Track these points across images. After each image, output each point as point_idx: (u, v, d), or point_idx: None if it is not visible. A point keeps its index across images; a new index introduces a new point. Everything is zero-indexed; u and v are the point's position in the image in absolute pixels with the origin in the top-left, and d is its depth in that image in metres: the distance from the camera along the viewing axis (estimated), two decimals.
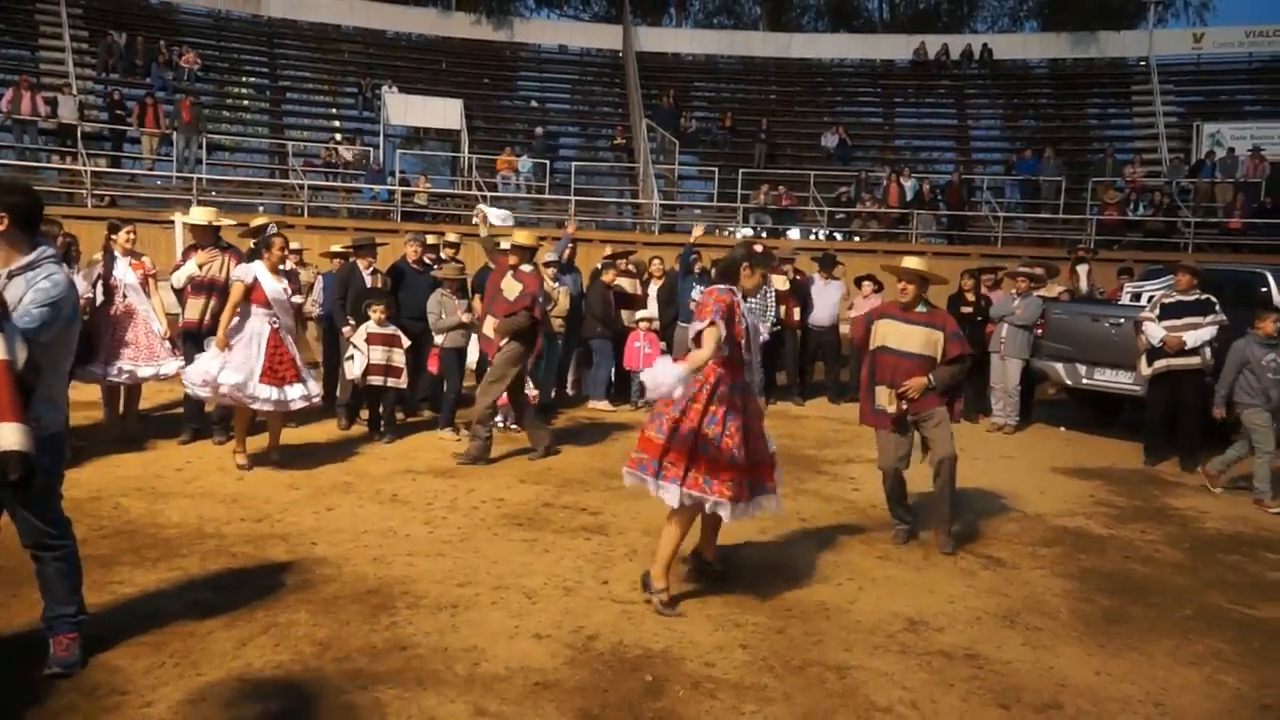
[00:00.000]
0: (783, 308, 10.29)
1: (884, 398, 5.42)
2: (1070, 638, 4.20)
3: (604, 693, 3.56)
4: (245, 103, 23.41)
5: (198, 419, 7.42)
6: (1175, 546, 5.75)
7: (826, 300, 10.80)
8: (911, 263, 5.55)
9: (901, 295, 5.52)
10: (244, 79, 23.88)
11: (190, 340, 7.14)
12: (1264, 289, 9.11)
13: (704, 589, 4.65)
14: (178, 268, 7.25)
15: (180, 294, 7.27)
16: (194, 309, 7.13)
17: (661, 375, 4.00)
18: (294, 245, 10.43)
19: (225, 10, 25.35)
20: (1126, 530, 6.05)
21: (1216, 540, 5.93)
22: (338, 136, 21.62)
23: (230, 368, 6.37)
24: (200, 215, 7.41)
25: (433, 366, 8.52)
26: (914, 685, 3.70)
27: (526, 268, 7.38)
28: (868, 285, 10.66)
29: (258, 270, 6.58)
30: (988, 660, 3.95)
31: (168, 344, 7.15)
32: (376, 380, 7.66)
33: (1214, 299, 7.72)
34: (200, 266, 7.09)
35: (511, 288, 7.27)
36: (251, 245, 7.45)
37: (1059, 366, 9.23)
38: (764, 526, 5.71)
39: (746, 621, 4.27)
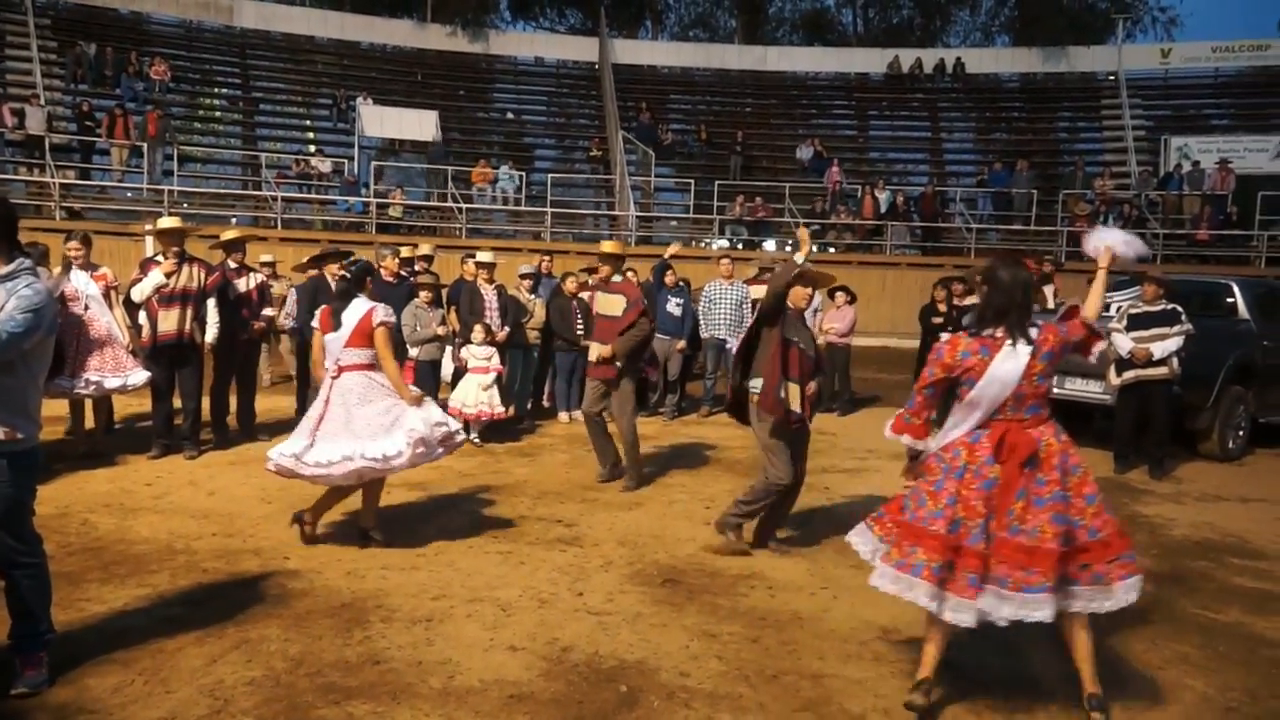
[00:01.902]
0: None
1: (795, 396, 5.29)
2: (1041, 644, 4.23)
3: (579, 704, 3.55)
4: (217, 114, 23.29)
5: (168, 434, 7.34)
6: (1144, 553, 5.80)
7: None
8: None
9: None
10: (216, 90, 23.75)
11: (164, 353, 7.06)
12: (1230, 299, 9.29)
13: (680, 600, 4.65)
14: (136, 281, 7.11)
15: (138, 308, 7.13)
16: (169, 320, 7.05)
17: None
18: (266, 257, 10.45)
19: (196, 20, 25.23)
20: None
21: (1184, 546, 6.01)
22: (311, 149, 21.55)
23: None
24: (170, 222, 7.37)
25: (407, 379, 8.46)
26: (887, 693, 3.73)
27: (617, 278, 7.13)
28: (841, 296, 10.72)
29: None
30: (961, 668, 3.98)
31: (131, 356, 7.08)
32: None
33: (1180, 309, 7.85)
34: (167, 276, 7.02)
35: (611, 303, 6.94)
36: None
37: None
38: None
39: (721, 631, 4.28)
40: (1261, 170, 21.13)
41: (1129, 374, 7.86)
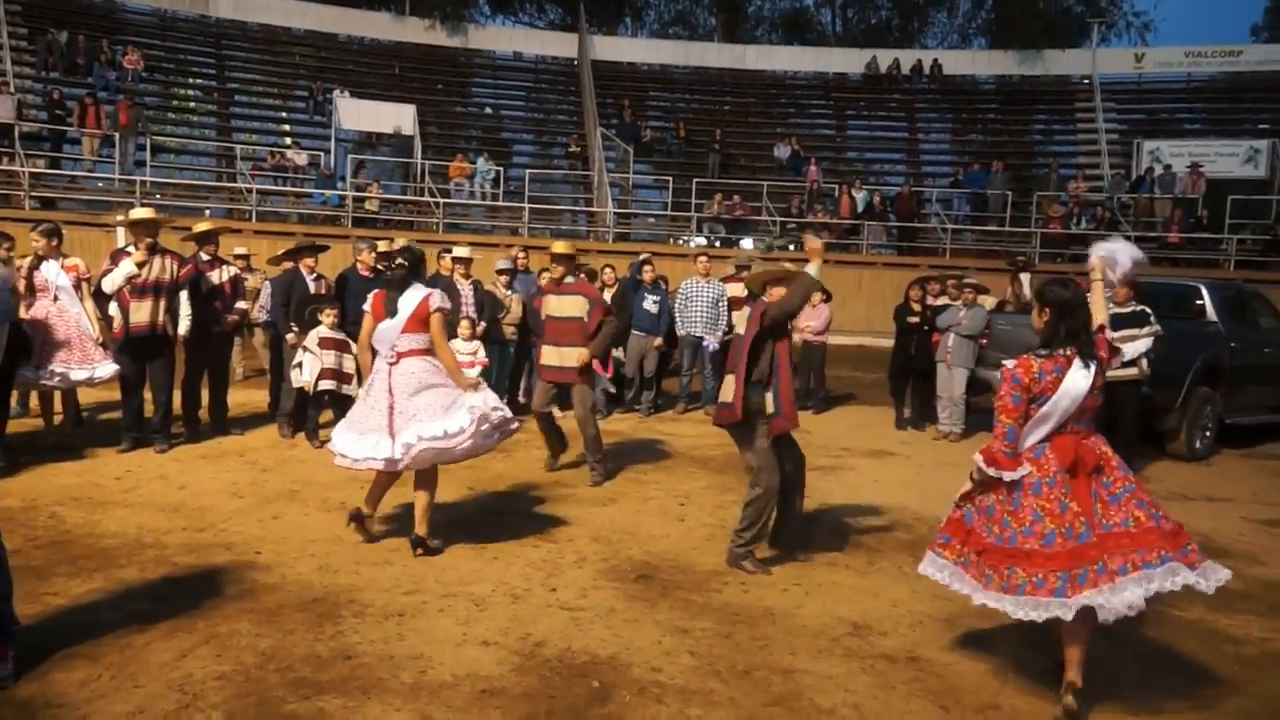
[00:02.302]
0: (738, 314, 10.34)
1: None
2: (1008, 640, 4.29)
3: (551, 699, 3.56)
4: (191, 104, 23.03)
5: (138, 427, 7.27)
6: None
7: None
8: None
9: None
10: (190, 80, 23.49)
11: (136, 345, 6.99)
12: (1199, 302, 9.42)
13: (653, 596, 4.67)
14: (107, 272, 7.02)
15: (108, 299, 7.05)
16: (141, 312, 6.98)
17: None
18: (241, 250, 10.36)
19: (171, 10, 24.95)
20: None
21: None
22: (287, 141, 21.38)
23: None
24: (142, 213, 7.30)
25: None
26: (857, 688, 3.76)
27: (570, 279, 7.02)
28: (816, 295, 10.74)
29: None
30: (929, 663, 4.03)
31: (100, 348, 7.00)
32: (329, 385, 7.57)
33: (1149, 311, 7.95)
34: (139, 266, 6.95)
35: (566, 305, 6.81)
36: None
37: None
38: (710, 533, 5.76)
39: (694, 627, 4.30)
40: (1232, 174, 21.45)
41: None
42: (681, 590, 4.76)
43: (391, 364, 5.04)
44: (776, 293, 5.14)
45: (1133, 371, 7.85)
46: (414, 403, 4.95)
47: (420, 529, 5.13)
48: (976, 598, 3.64)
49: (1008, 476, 3.61)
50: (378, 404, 5.00)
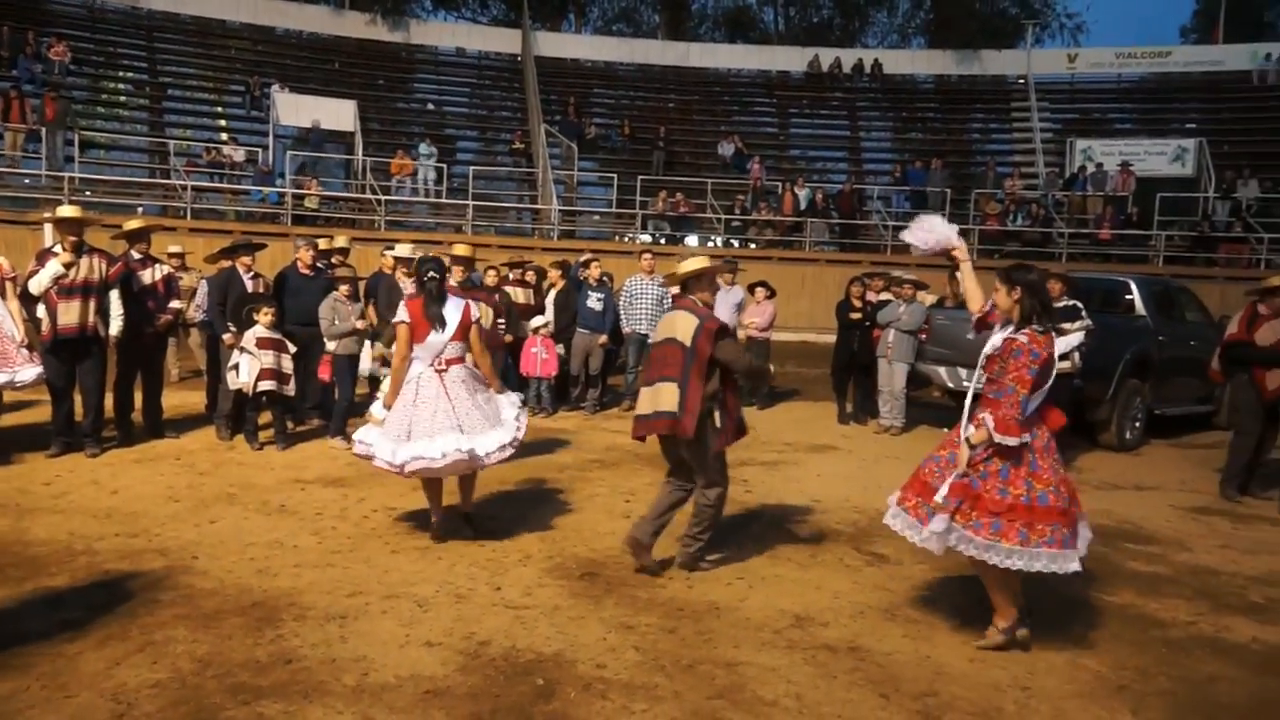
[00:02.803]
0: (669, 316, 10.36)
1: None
2: (947, 629, 4.38)
3: (495, 697, 3.55)
4: (122, 99, 22.42)
5: (68, 431, 7.07)
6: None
7: (726, 305, 10.94)
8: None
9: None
10: (120, 74, 22.86)
11: (65, 348, 6.81)
12: (1129, 297, 9.71)
13: (599, 593, 4.68)
14: (34, 273, 6.83)
15: (35, 301, 6.86)
16: (70, 313, 6.79)
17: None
18: (175, 248, 10.12)
19: (100, 1, 24.23)
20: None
21: None
22: (224, 136, 20.93)
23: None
24: (69, 211, 7.10)
25: (324, 373, 8.31)
26: (799, 679, 3.81)
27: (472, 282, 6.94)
28: (761, 291, 10.87)
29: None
30: (870, 652, 4.10)
31: (24, 350, 6.80)
32: (268, 385, 7.44)
33: (1081, 306, 8.16)
34: (66, 267, 6.76)
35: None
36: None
37: (941, 370, 9.59)
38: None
39: (639, 623, 4.31)
40: (1160, 173, 22.09)
41: None
42: (627, 587, 4.78)
43: (441, 371, 5.25)
44: (701, 295, 5.04)
45: (1065, 365, 8.04)
46: (473, 408, 5.26)
47: (469, 507, 5.57)
48: (992, 557, 3.93)
49: (1014, 443, 3.93)
50: (438, 407, 5.18)
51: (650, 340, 4.96)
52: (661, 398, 4.84)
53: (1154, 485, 7.76)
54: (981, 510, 3.97)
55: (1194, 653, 4.29)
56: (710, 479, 5.01)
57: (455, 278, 7.01)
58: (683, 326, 4.85)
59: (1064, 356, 7.99)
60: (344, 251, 9.13)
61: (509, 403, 5.54)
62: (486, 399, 5.40)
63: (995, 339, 4.10)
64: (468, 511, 5.56)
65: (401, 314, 5.27)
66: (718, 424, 4.90)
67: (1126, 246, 20.30)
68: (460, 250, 7.25)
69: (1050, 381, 4.07)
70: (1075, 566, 4.01)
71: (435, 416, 5.15)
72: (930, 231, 4.46)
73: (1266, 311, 7.24)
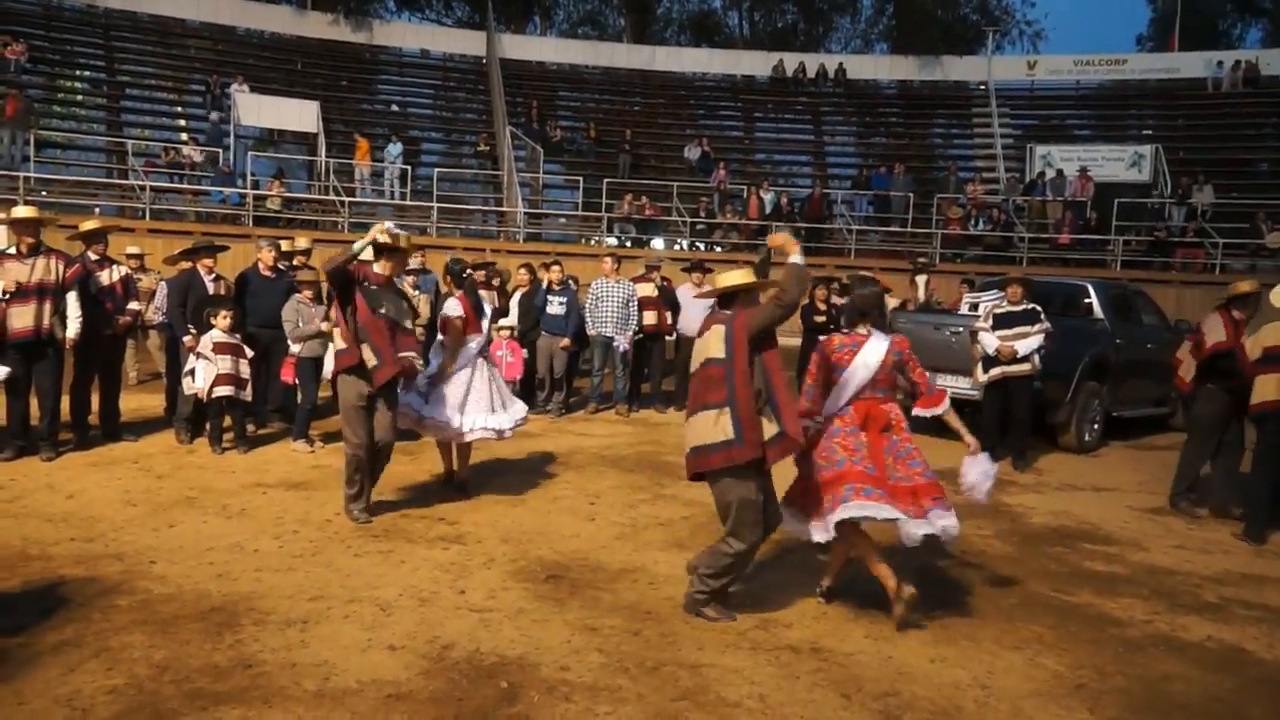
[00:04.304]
0: (651, 314, 10.32)
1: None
2: (908, 629, 4.42)
3: (458, 701, 3.53)
4: (79, 98, 22.01)
5: (23, 434, 6.94)
6: (1005, 540, 6.14)
7: (696, 307, 10.92)
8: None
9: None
10: (77, 72, 22.45)
11: (19, 349, 6.67)
12: (1087, 300, 9.87)
13: (563, 595, 4.67)
14: None
15: None
16: (24, 316, 6.65)
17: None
18: (133, 249, 9.96)
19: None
20: (963, 526, 6.34)
21: (1042, 533, 6.36)
22: (183, 137, 20.62)
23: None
24: (24, 211, 6.96)
25: (287, 376, 8.20)
26: (762, 680, 3.83)
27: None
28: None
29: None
30: (832, 653, 4.13)
31: None
32: (225, 391, 7.34)
33: (1040, 309, 8.29)
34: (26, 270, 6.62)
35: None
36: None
37: None
38: (620, 532, 5.79)
39: (603, 625, 4.31)
40: (1118, 179, 22.49)
41: (995, 370, 8.25)
42: (591, 589, 4.77)
43: (484, 355, 6.49)
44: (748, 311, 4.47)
45: (1026, 367, 8.18)
46: (500, 388, 6.58)
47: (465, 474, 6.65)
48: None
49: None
50: (485, 384, 6.36)
51: (691, 371, 4.48)
52: (712, 427, 4.24)
53: (1112, 486, 7.89)
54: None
55: (1150, 651, 4.37)
56: (737, 527, 4.30)
57: (386, 270, 6.15)
58: (714, 342, 4.35)
59: (1025, 359, 8.15)
60: (306, 253, 9.04)
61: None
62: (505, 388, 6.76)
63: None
64: (465, 479, 6.58)
65: (456, 309, 6.27)
66: (775, 431, 4.24)
67: (1085, 251, 20.64)
68: (389, 239, 6.67)
69: (856, 381, 4.53)
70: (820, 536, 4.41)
71: (483, 392, 6.35)
72: (986, 476, 5.05)
73: (1240, 317, 6.89)
